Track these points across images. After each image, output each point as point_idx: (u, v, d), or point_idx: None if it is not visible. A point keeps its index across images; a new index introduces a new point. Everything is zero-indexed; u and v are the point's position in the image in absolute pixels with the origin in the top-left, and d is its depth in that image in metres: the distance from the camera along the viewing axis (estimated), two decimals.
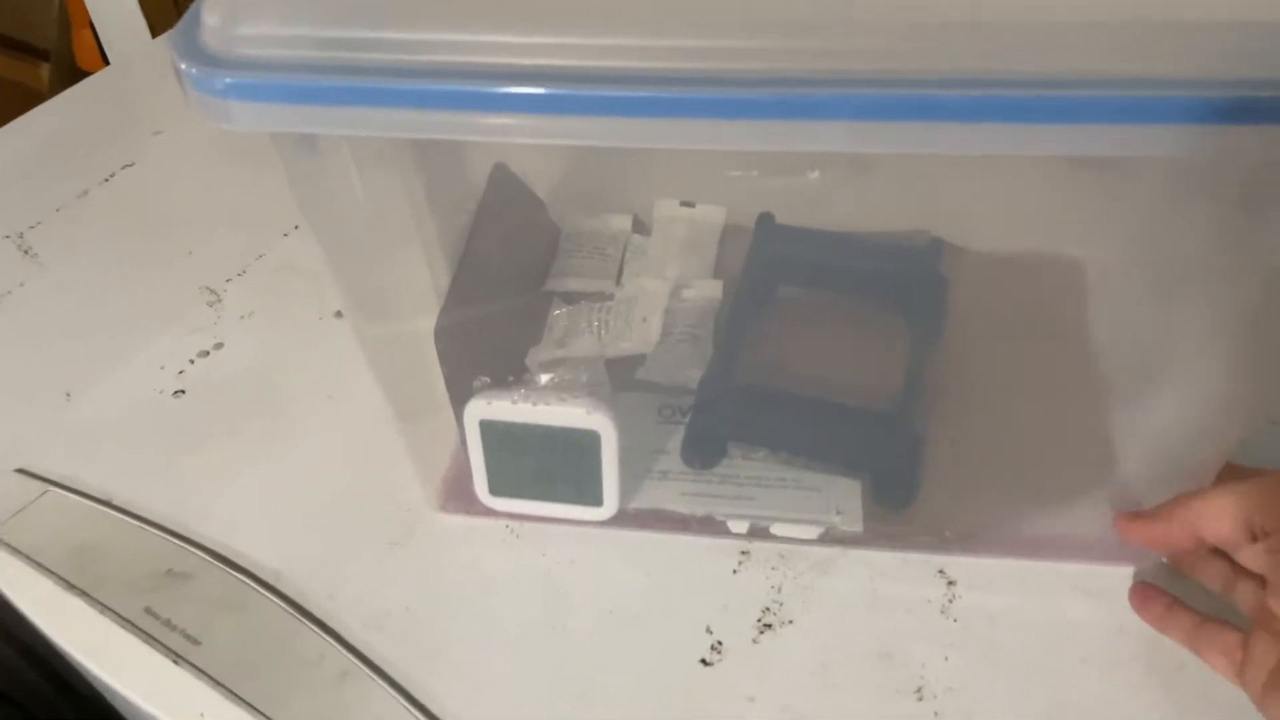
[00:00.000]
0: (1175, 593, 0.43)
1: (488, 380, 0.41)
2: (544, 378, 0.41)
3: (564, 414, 0.42)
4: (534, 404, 0.41)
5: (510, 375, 0.41)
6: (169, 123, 0.73)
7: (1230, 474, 0.42)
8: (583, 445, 0.43)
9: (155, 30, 1.06)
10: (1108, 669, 0.42)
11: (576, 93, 0.29)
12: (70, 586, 0.45)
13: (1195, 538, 0.39)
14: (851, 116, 0.29)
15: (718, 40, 0.29)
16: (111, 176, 0.69)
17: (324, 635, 0.44)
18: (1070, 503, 0.47)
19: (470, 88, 0.30)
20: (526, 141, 0.30)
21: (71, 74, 1.18)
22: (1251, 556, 0.38)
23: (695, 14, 0.30)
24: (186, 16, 0.31)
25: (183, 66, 0.30)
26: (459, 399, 0.44)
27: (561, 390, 0.42)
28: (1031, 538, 0.46)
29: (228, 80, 0.30)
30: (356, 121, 0.30)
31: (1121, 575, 0.45)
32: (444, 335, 0.45)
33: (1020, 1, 0.29)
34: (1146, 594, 0.43)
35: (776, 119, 0.29)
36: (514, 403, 0.42)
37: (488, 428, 0.43)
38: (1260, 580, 0.39)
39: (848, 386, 0.50)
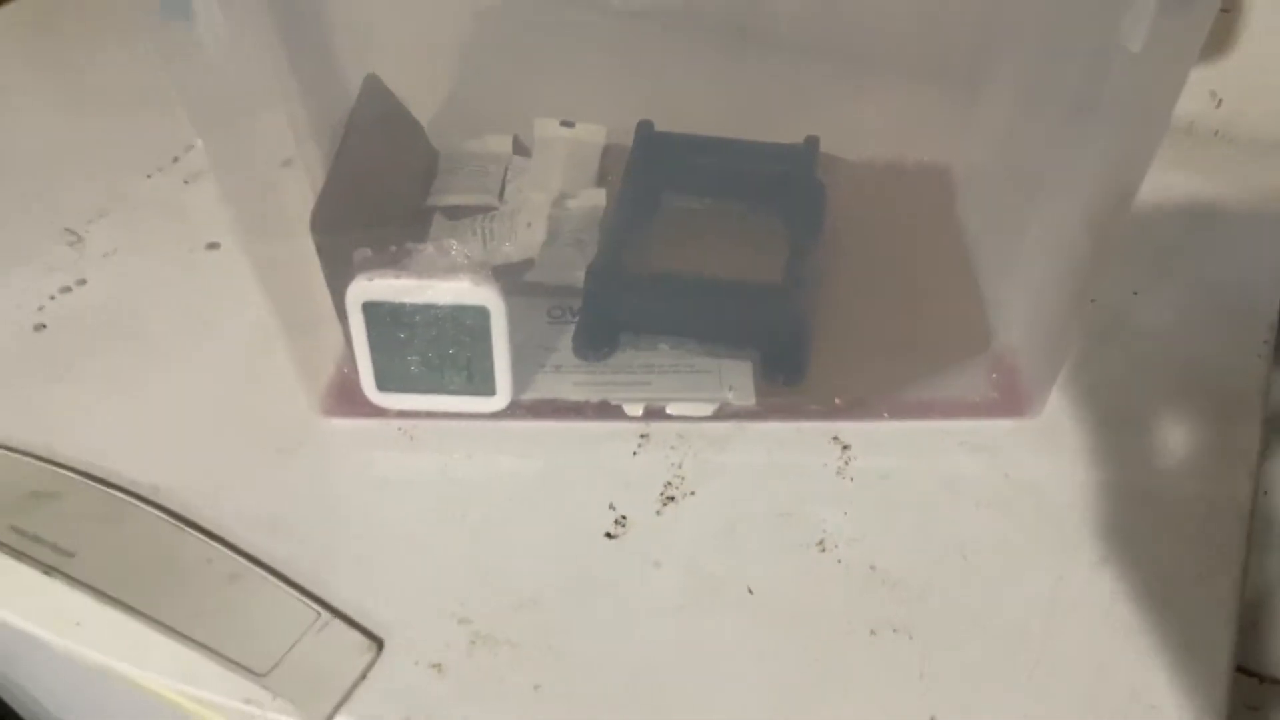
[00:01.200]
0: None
1: (369, 252, 0.40)
2: (428, 246, 0.40)
3: (450, 289, 0.41)
4: (418, 277, 0.41)
5: (393, 246, 0.40)
6: (29, 73, 0.70)
7: None
8: (472, 325, 0.42)
9: None
10: (999, 510, 0.43)
11: None
12: None
13: None
14: None
15: None
16: None
17: (210, 540, 0.42)
18: (953, 367, 0.48)
19: None
20: None
21: None
22: None
23: None
24: None
25: None
26: (340, 294, 0.43)
27: (446, 267, 0.41)
28: (919, 401, 0.47)
29: None
30: None
31: (1004, 429, 0.46)
32: (322, 231, 0.44)
33: None
34: None
35: None
36: (397, 277, 0.41)
37: (372, 311, 0.42)
38: None
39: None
